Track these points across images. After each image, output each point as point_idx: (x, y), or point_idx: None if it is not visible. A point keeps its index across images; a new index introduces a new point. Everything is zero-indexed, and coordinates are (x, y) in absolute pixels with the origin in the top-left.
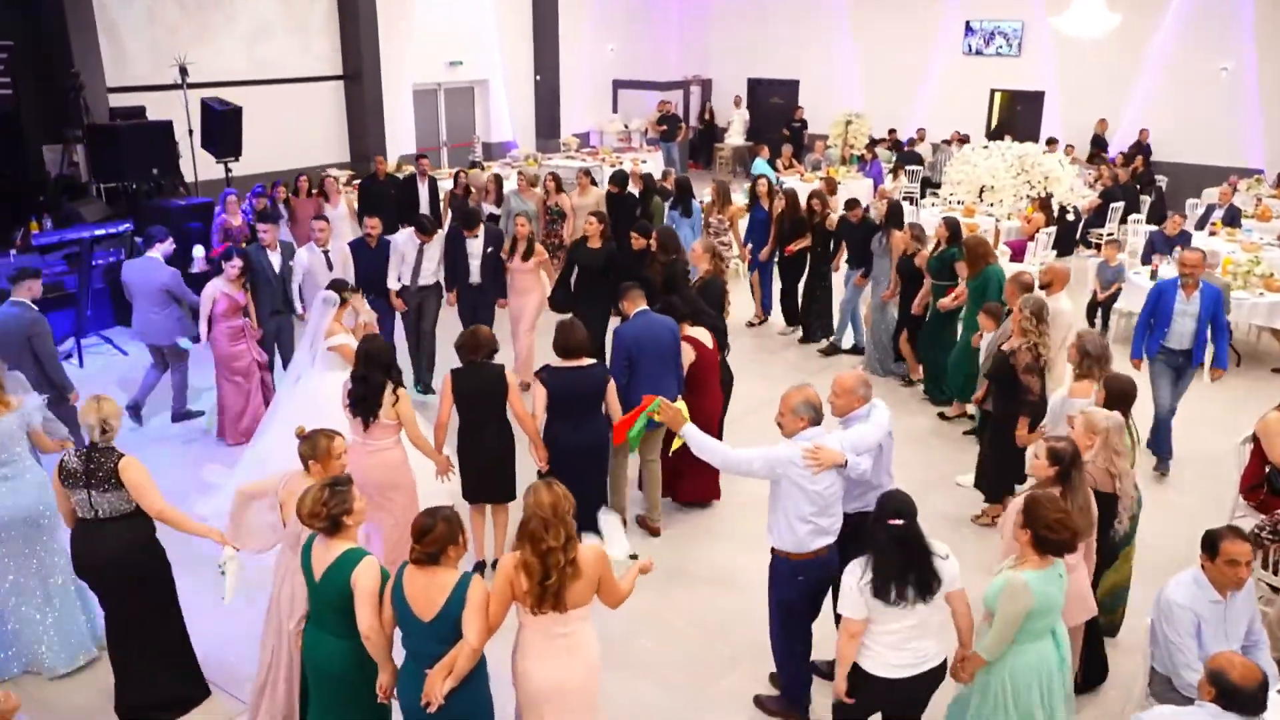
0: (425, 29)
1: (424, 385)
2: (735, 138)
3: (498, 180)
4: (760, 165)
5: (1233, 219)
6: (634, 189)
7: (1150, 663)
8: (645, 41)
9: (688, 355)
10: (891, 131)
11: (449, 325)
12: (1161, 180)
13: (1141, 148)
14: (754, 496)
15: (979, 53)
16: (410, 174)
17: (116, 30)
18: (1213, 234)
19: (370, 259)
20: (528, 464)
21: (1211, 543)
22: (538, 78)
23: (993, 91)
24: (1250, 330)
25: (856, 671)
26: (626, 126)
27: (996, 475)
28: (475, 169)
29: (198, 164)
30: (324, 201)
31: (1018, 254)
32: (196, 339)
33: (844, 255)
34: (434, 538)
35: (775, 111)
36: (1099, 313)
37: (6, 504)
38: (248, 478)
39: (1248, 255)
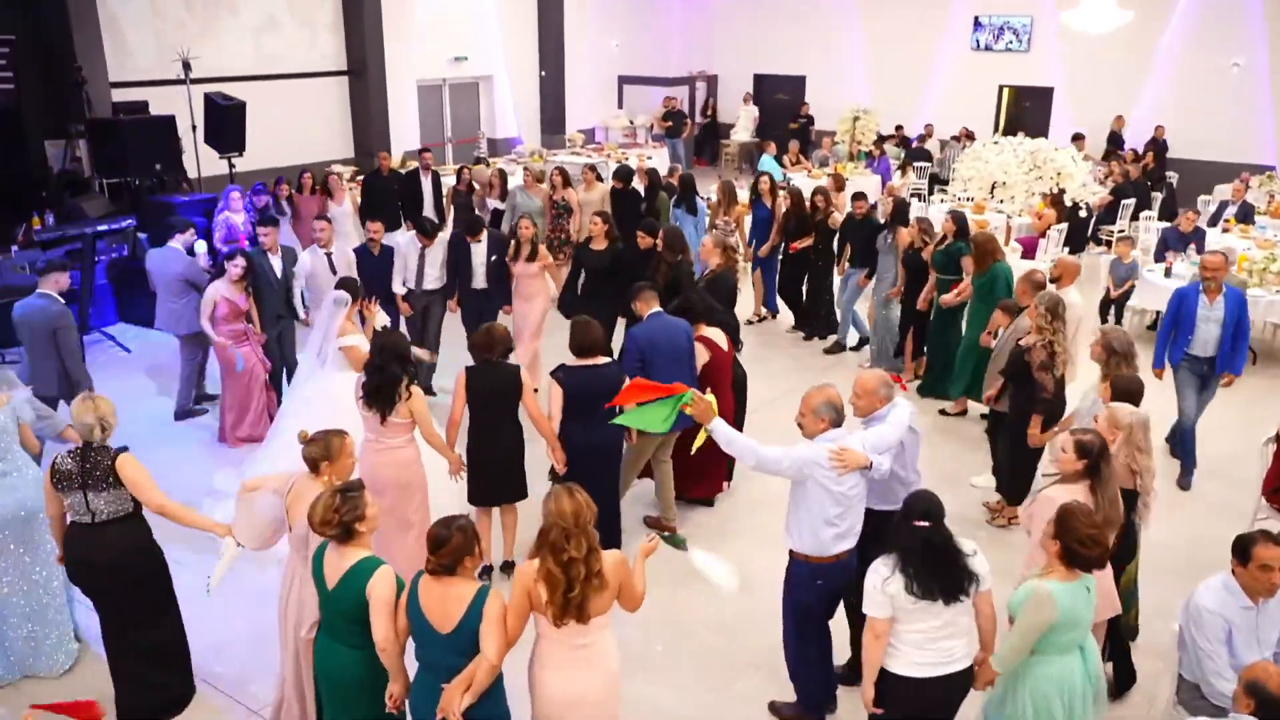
0: (430, 24)
1: (426, 390)
2: (742, 134)
3: (502, 175)
4: (767, 162)
5: (1246, 216)
6: (639, 185)
7: (1178, 669)
8: (650, 37)
9: (700, 357)
10: (898, 128)
11: (453, 331)
12: (1172, 177)
13: (1157, 144)
14: (764, 493)
15: (988, 48)
16: (413, 169)
17: (119, 24)
18: (1226, 231)
19: (374, 265)
20: (535, 464)
21: (1243, 547)
22: (542, 73)
23: (1001, 88)
24: (1266, 328)
25: (884, 674)
26: (632, 123)
27: (1014, 475)
28: (480, 165)
29: (201, 159)
30: (328, 199)
31: (1029, 251)
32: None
33: (847, 255)
34: (450, 548)
35: (781, 107)
36: (1112, 310)
37: (4, 501)
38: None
39: (1263, 252)
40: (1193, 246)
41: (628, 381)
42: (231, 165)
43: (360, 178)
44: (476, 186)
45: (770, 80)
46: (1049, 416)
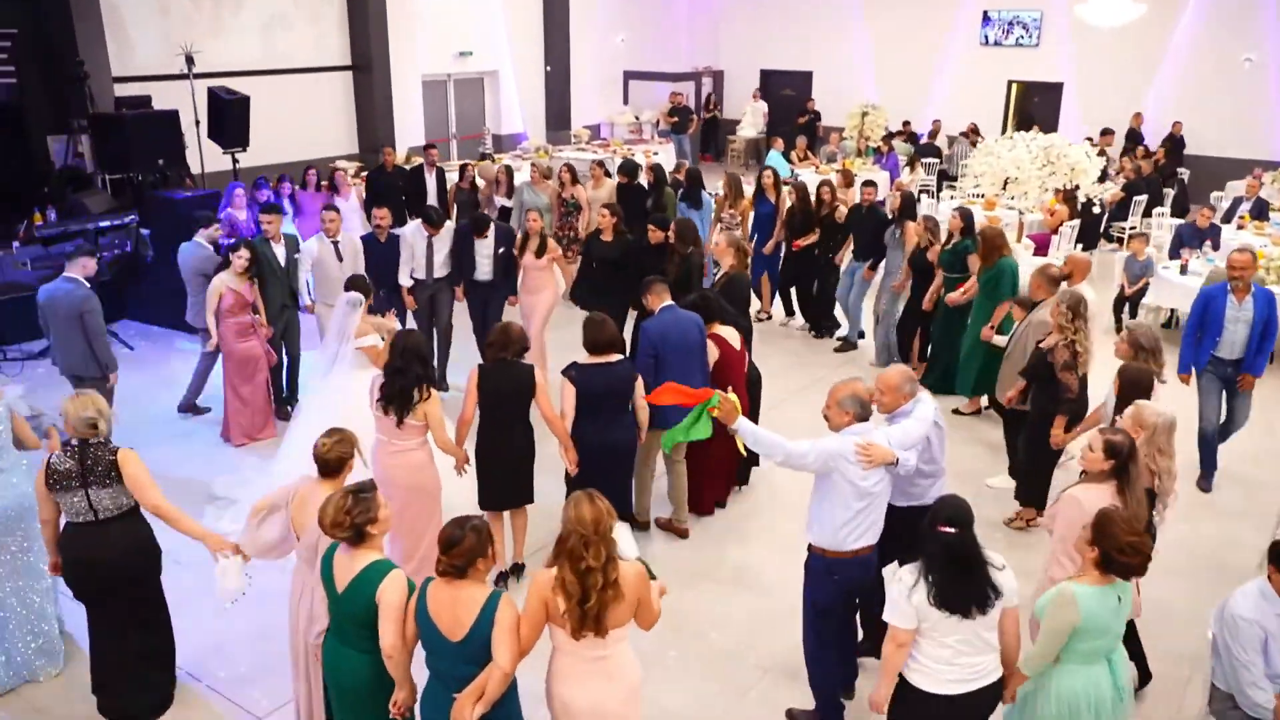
0: (434, 19)
1: (441, 382)
2: (748, 130)
3: (508, 171)
4: (774, 158)
5: (1260, 212)
6: (645, 180)
7: (1211, 679)
8: (656, 32)
9: (711, 354)
10: (906, 124)
11: (460, 321)
12: (1184, 173)
13: (1175, 140)
14: (776, 494)
15: (997, 43)
16: (418, 165)
17: (121, 18)
18: (1240, 227)
19: (381, 253)
20: (547, 464)
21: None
22: (548, 69)
23: (1010, 83)
24: None
25: (910, 690)
26: (638, 118)
27: (1034, 477)
28: (485, 161)
29: (204, 155)
30: (333, 195)
31: (1041, 248)
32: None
33: (850, 247)
34: (462, 550)
35: (787, 103)
36: (1126, 308)
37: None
38: (270, 486)
39: (1279, 249)
40: (1209, 243)
41: (639, 381)
42: (235, 161)
43: (365, 173)
44: (480, 185)
45: (776, 76)
46: (1073, 416)
